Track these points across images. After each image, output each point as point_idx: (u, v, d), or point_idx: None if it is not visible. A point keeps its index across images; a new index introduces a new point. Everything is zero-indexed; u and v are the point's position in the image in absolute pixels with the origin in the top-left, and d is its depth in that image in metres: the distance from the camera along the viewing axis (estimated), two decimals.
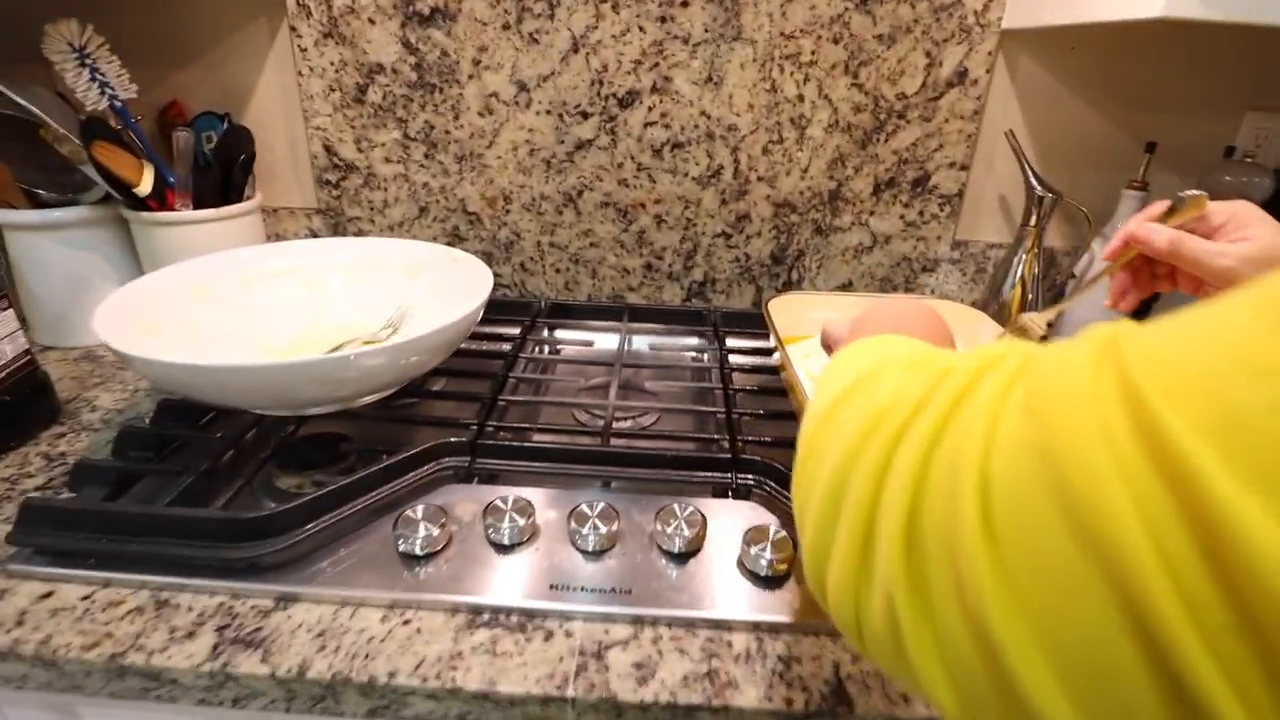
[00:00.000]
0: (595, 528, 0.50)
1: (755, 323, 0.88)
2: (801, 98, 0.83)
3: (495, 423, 0.62)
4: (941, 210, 0.89)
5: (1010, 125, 0.85)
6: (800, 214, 0.89)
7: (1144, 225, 0.46)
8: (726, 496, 0.58)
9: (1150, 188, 0.80)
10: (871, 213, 0.89)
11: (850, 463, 0.23)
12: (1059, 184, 0.81)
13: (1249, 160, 0.74)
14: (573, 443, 0.60)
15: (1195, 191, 0.45)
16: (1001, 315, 0.84)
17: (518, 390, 0.71)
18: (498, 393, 0.66)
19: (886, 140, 0.85)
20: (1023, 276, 0.83)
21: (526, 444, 0.58)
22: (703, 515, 0.52)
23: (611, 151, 0.87)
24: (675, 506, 0.53)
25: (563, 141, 0.86)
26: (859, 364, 0.29)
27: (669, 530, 0.51)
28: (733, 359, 0.78)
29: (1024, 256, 0.83)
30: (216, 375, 0.51)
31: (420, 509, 0.50)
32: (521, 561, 0.50)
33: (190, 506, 0.52)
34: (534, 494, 0.55)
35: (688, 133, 0.86)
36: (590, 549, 0.50)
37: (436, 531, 0.49)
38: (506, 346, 0.77)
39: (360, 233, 0.92)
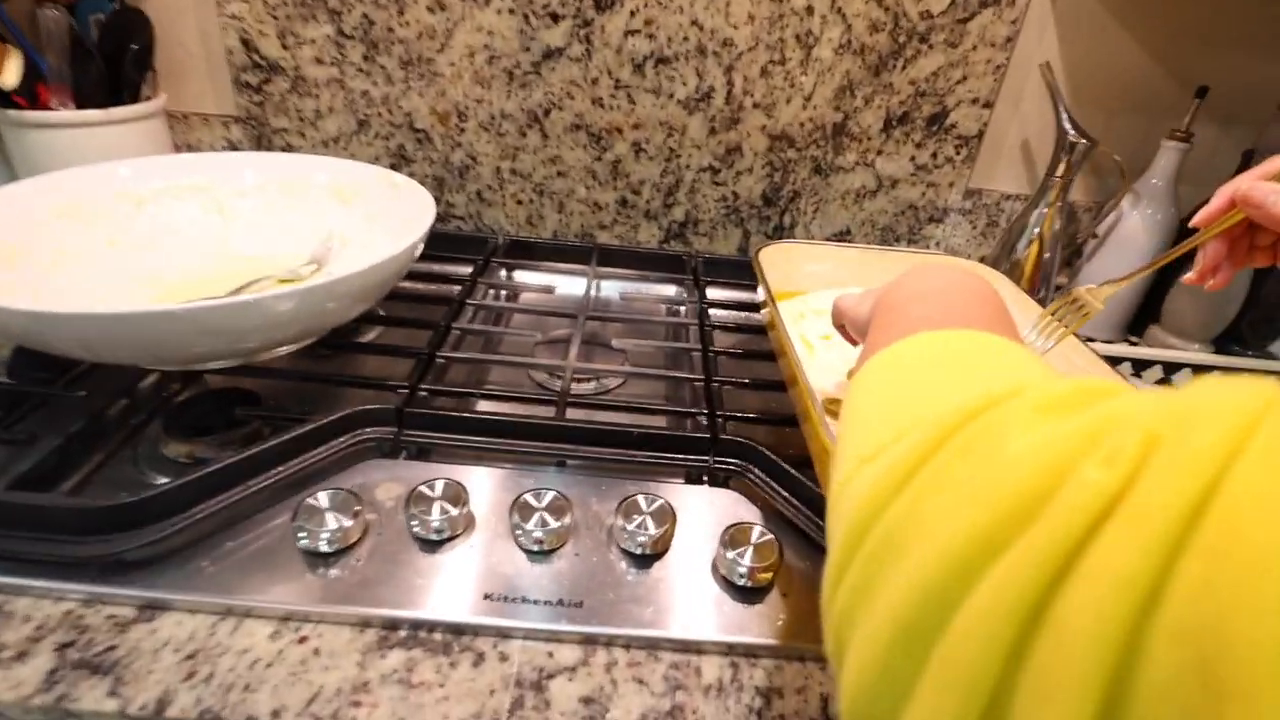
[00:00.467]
0: (543, 523, 0.42)
1: (741, 272, 0.78)
2: (811, 9, 0.71)
3: (430, 385, 0.52)
4: (958, 153, 0.78)
5: (1046, 57, 0.74)
6: (799, 149, 0.78)
7: (1259, 184, 0.37)
8: (702, 483, 0.50)
9: (1194, 139, 0.70)
10: (879, 152, 0.78)
11: (959, 584, 0.14)
12: (1092, 129, 0.71)
13: None
14: (521, 413, 0.51)
15: None
16: (1015, 274, 0.76)
17: (462, 344, 0.61)
18: (437, 347, 0.56)
19: (904, 67, 0.74)
20: (1041, 233, 0.74)
21: (465, 414, 0.49)
22: (672, 510, 0.44)
23: (585, 64, 0.74)
24: (640, 499, 0.44)
25: (528, 49, 0.74)
26: (931, 388, 0.20)
27: (631, 527, 0.42)
28: (714, 314, 0.68)
29: (1045, 210, 0.74)
30: (72, 325, 0.41)
31: (327, 495, 0.41)
32: (451, 562, 0.41)
33: (42, 485, 0.42)
34: (472, 476, 0.46)
35: (675, 46, 0.73)
36: (536, 548, 0.42)
37: (349, 523, 0.40)
38: (454, 290, 0.66)
39: (289, 148, 0.79)
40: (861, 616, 0.16)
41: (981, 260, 0.85)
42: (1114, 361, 0.70)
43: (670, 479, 0.50)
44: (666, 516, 0.43)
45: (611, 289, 0.76)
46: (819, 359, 0.57)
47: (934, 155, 0.79)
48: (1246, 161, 0.71)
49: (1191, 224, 0.42)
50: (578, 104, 0.76)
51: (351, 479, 0.45)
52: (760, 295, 0.63)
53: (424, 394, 0.51)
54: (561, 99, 0.76)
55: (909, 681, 0.14)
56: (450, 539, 0.42)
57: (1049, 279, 0.76)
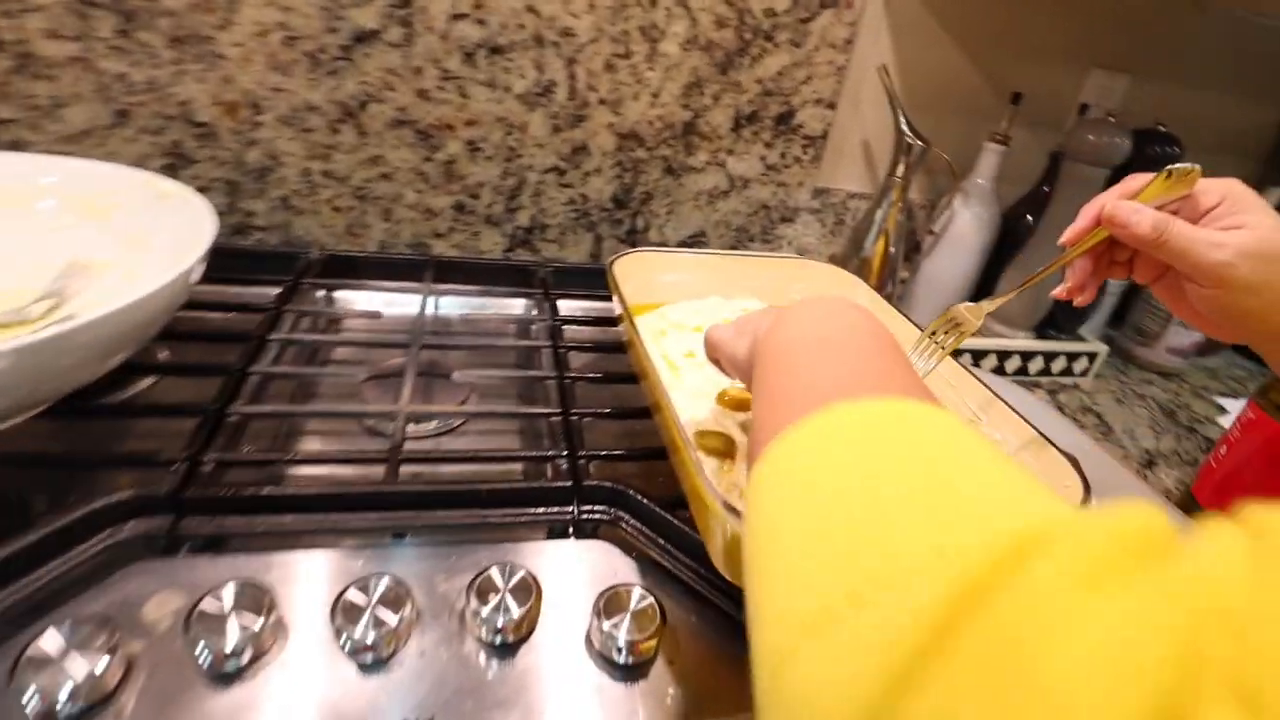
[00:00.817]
0: (376, 622, 0.34)
1: (595, 280, 0.72)
2: (655, 1, 0.66)
3: (219, 454, 0.42)
4: (805, 153, 0.78)
5: (882, 60, 0.75)
6: (649, 149, 0.74)
7: (1122, 204, 0.37)
8: (567, 536, 0.44)
9: (1011, 142, 0.74)
10: (730, 151, 0.76)
11: None
12: (924, 130, 0.73)
13: (1110, 120, 0.70)
14: (345, 476, 0.42)
15: (1187, 165, 0.36)
16: (864, 271, 0.77)
17: (265, 393, 0.50)
18: (228, 400, 0.45)
19: (751, 65, 0.71)
20: (886, 230, 0.76)
21: (267, 488, 0.39)
22: (535, 582, 0.37)
23: (406, 51, 0.65)
24: (495, 573, 0.37)
25: (334, 29, 0.63)
26: (883, 510, 0.15)
27: (487, 611, 0.36)
28: (568, 331, 0.62)
29: (888, 209, 0.75)
30: None
31: (60, 634, 0.31)
32: (255, 696, 0.32)
33: None
34: (280, 569, 0.37)
35: (510, 33, 0.66)
36: (369, 658, 0.34)
37: (100, 665, 0.30)
38: (255, 321, 0.55)
39: (18, 145, 0.62)
40: None
41: (831, 258, 0.86)
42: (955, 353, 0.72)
43: (529, 535, 0.43)
44: (529, 591, 0.37)
45: (451, 307, 0.67)
46: (685, 381, 0.53)
47: (782, 155, 0.77)
48: (1054, 163, 0.76)
49: (1060, 242, 0.42)
50: (400, 96, 0.66)
51: (106, 597, 0.34)
52: (617, 309, 0.58)
53: (210, 467, 0.41)
54: (380, 90, 0.66)
55: None
56: (252, 663, 0.33)
57: (895, 274, 0.78)
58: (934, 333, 0.48)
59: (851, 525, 0.15)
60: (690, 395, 0.49)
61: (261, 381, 0.50)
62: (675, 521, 0.42)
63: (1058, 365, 0.78)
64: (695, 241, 0.81)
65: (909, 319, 0.58)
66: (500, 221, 0.75)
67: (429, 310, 0.62)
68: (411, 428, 0.50)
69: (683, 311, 0.61)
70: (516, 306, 0.70)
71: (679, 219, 0.79)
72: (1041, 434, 0.44)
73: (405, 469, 0.43)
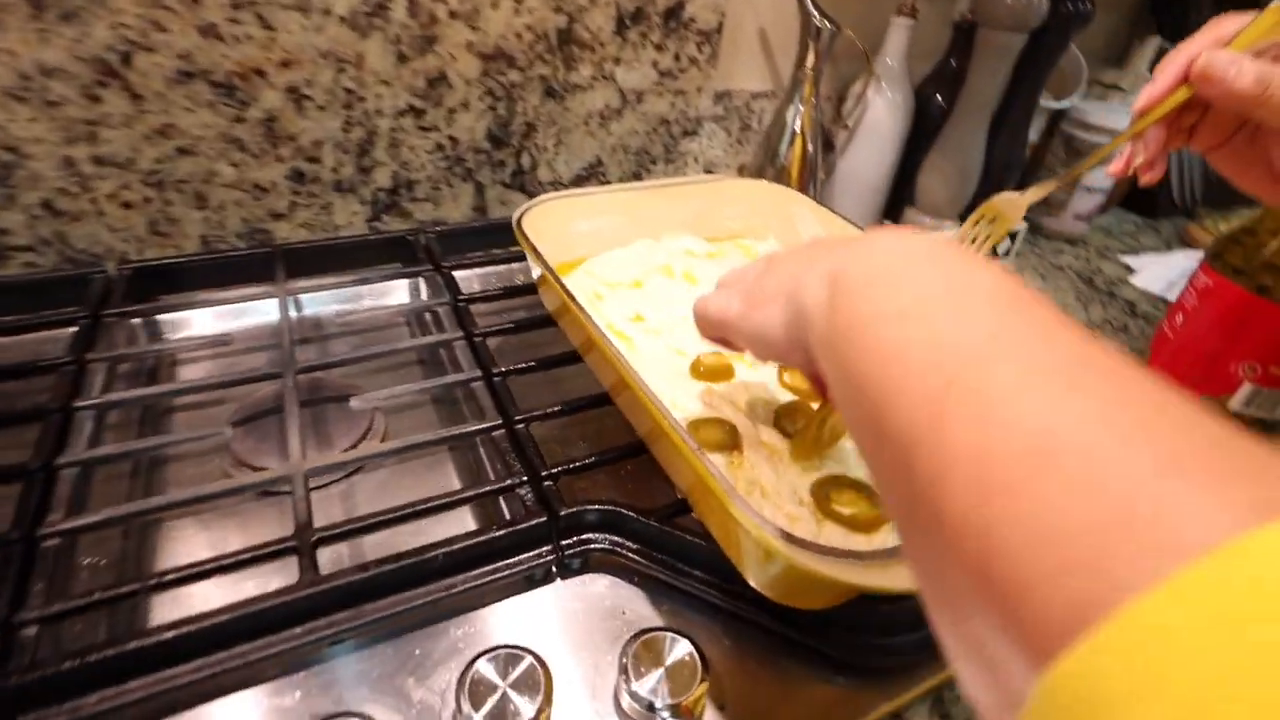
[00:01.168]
0: None
1: (490, 239, 0.61)
2: None
3: (40, 609, 0.28)
4: (700, 52, 0.67)
5: None
6: (522, 69, 0.61)
7: (1218, 56, 0.30)
8: (553, 580, 0.35)
9: (920, 15, 0.68)
10: (617, 60, 0.64)
11: None
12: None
13: None
14: (240, 589, 0.30)
15: None
16: (782, 178, 0.69)
17: (89, 493, 0.36)
18: (35, 519, 0.32)
19: None
20: (802, 131, 0.68)
21: (129, 647, 0.27)
22: (542, 667, 0.29)
23: None
24: (488, 667, 0.28)
25: None
26: None
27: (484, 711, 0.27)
28: (478, 311, 0.51)
29: (801, 106, 0.67)
30: None
31: None
32: None
33: None
34: None
35: None
36: None
37: None
38: (47, 388, 0.39)
39: None
40: None
41: (741, 169, 0.78)
42: None
43: (507, 595, 0.34)
44: (535, 682, 0.28)
45: (320, 306, 0.54)
46: (642, 352, 0.44)
47: (676, 57, 0.67)
48: (960, 33, 0.70)
49: (1135, 109, 0.36)
50: (177, 39, 0.49)
51: None
52: (535, 273, 0.47)
53: (31, 630, 0.28)
54: (146, 34, 0.48)
55: None
56: None
57: (816, 177, 0.71)
58: (977, 222, 0.44)
59: None
60: (658, 373, 0.41)
61: (81, 475, 0.36)
62: (680, 534, 0.35)
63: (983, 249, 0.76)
64: (592, 173, 0.70)
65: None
66: (354, 186, 0.60)
67: (292, 315, 0.49)
68: (319, 496, 0.38)
69: (611, 264, 0.51)
70: (401, 291, 0.57)
71: (570, 149, 0.67)
72: None
73: (325, 552, 0.33)
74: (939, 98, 0.73)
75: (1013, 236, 0.77)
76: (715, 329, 0.30)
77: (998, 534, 0.12)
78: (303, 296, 0.53)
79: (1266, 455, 0.11)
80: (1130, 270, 0.79)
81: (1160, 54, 0.85)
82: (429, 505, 0.35)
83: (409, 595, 0.32)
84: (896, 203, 0.77)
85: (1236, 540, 0.10)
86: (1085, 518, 0.11)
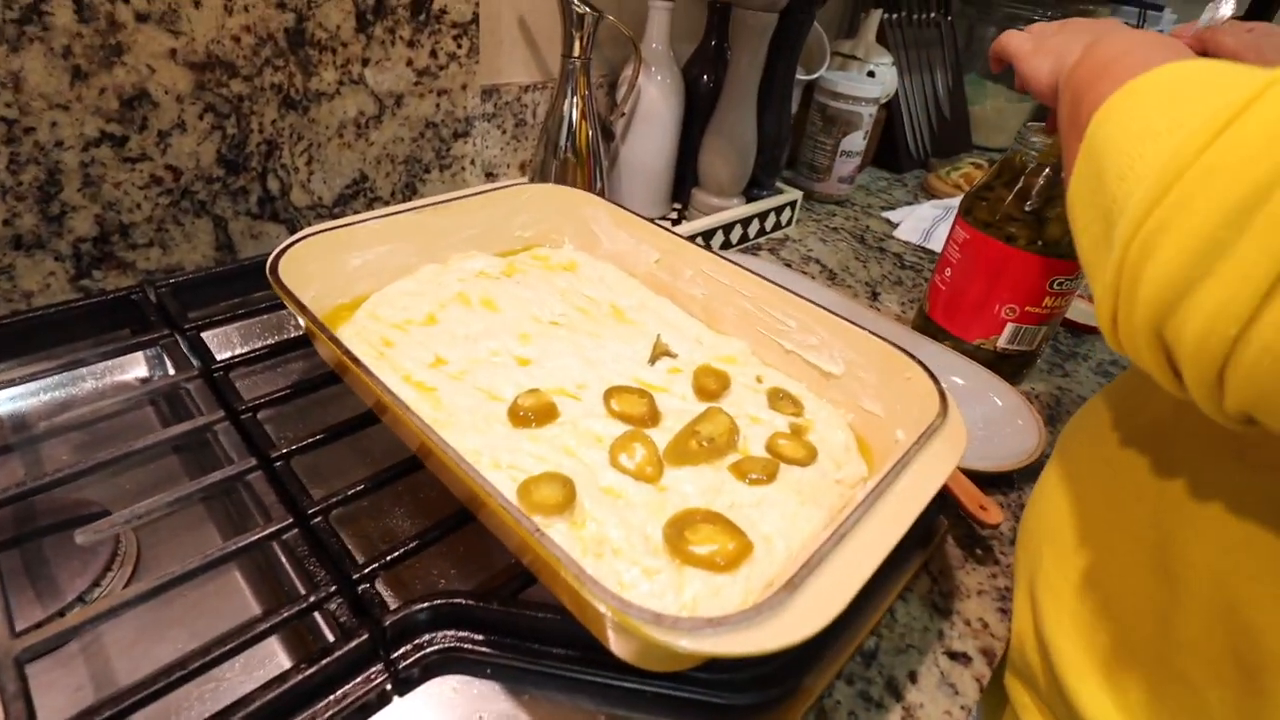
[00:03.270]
0: None
1: (244, 283, 0.52)
2: None
3: None
4: (459, 46, 0.62)
5: None
6: (248, 79, 0.51)
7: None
8: (388, 701, 0.30)
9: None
10: (365, 61, 0.57)
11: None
12: None
13: None
14: None
15: None
16: (568, 175, 0.66)
17: None
18: None
19: None
20: (581, 120, 0.65)
21: None
22: None
23: None
24: None
25: None
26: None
27: None
28: (238, 378, 0.42)
29: (575, 97, 0.64)
30: None
31: None
32: None
33: None
34: None
35: None
36: None
37: None
38: None
39: None
40: (1177, 215, 0.20)
41: (523, 167, 0.74)
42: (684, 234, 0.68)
43: None
44: None
45: (17, 403, 0.42)
46: (448, 403, 0.39)
47: (433, 54, 0.60)
48: (715, 13, 0.71)
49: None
50: None
51: None
52: (304, 325, 0.40)
53: None
54: None
55: (1222, 251, 0.19)
56: None
57: (601, 166, 0.69)
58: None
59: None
60: (471, 426, 0.36)
61: None
62: (530, 613, 0.31)
63: (770, 222, 0.79)
64: (358, 191, 0.62)
65: (666, 226, 0.50)
66: (42, 240, 0.47)
67: None
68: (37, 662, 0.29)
69: (397, 300, 0.45)
70: (136, 366, 0.46)
71: (326, 167, 0.59)
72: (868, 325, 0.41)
73: None
74: (705, 78, 0.74)
75: (793, 205, 0.81)
76: (1006, 58, 0.41)
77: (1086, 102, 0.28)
78: None
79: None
80: (891, 224, 0.87)
81: (882, 24, 0.94)
82: (210, 657, 0.28)
83: None
84: (681, 184, 0.78)
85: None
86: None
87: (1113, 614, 0.31)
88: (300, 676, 0.27)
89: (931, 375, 0.38)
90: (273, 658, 0.32)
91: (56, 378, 0.43)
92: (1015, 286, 0.54)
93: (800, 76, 0.83)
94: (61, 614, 0.31)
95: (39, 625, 0.28)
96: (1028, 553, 0.37)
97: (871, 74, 0.92)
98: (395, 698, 0.30)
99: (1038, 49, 0.38)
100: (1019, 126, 0.61)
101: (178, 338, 0.45)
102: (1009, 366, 0.58)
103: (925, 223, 0.86)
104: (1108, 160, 0.23)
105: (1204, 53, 0.38)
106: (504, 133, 0.70)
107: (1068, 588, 0.33)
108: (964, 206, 0.56)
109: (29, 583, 0.33)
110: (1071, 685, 0.31)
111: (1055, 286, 0.53)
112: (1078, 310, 0.69)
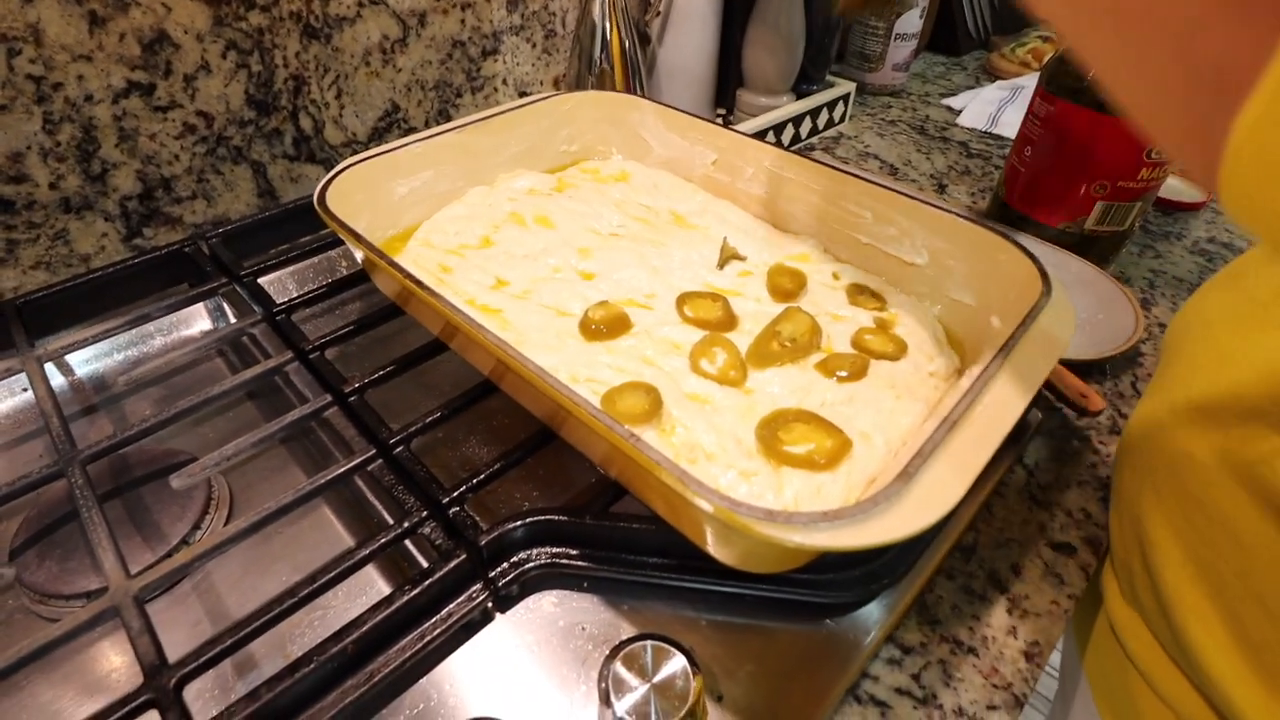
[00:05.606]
0: None
1: (292, 227, 0.51)
2: None
3: None
4: None
5: None
6: (265, 9, 0.49)
7: None
8: (491, 619, 0.30)
9: None
10: None
11: None
12: None
13: None
14: None
15: None
16: (606, 85, 0.63)
17: None
18: None
19: None
20: (614, 27, 0.61)
21: None
22: None
23: None
24: None
25: None
26: None
27: None
28: (302, 319, 0.42)
29: (605, 1, 0.60)
30: None
31: None
32: None
33: None
34: None
35: None
36: None
37: None
38: None
39: None
40: None
41: (557, 82, 0.70)
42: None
43: (449, 651, 0.29)
44: None
45: (93, 365, 0.42)
46: (516, 324, 0.37)
47: None
48: None
49: None
50: None
51: None
52: (360, 256, 0.39)
53: None
54: None
55: None
56: None
57: (639, 75, 0.65)
58: None
59: None
60: (544, 344, 0.35)
61: None
62: (623, 524, 0.30)
63: (822, 119, 0.74)
64: (392, 123, 0.59)
65: (724, 123, 0.47)
66: (90, 201, 0.47)
67: (57, 384, 0.38)
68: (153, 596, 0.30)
69: (450, 226, 0.44)
70: (199, 319, 0.46)
71: (356, 99, 0.56)
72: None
73: (195, 687, 0.25)
74: None
75: (846, 99, 0.76)
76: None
77: None
78: (64, 359, 0.41)
79: None
80: (953, 111, 0.80)
81: None
82: (315, 586, 0.28)
83: (327, 703, 0.26)
84: (725, 86, 0.73)
85: None
86: None
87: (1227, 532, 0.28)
88: (405, 598, 0.27)
89: (1030, 255, 0.35)
90: (372, 585, 0.32)
91: (126, 335, 0.43)
92: (1107, 159, 0.49)
93: None
94: (169, 555, 0.32)
95: (152, 566, 0.29)
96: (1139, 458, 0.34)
97: None
98: (498, 614, 0.30)
99: None
100: None
101: (236, 286, 0.44)
102: (1097, 250, 0.54)
103: (991, 106, 0.80)
104: None
105: None
106: (534, 46, 0.66)
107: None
108: (1045, 76, 0.51)
109: (134, 529, 0.33)
110: (1170, 594, 0.29)
111: (1153, 156, 0.48)
112: (1169, 187, 0.63)
